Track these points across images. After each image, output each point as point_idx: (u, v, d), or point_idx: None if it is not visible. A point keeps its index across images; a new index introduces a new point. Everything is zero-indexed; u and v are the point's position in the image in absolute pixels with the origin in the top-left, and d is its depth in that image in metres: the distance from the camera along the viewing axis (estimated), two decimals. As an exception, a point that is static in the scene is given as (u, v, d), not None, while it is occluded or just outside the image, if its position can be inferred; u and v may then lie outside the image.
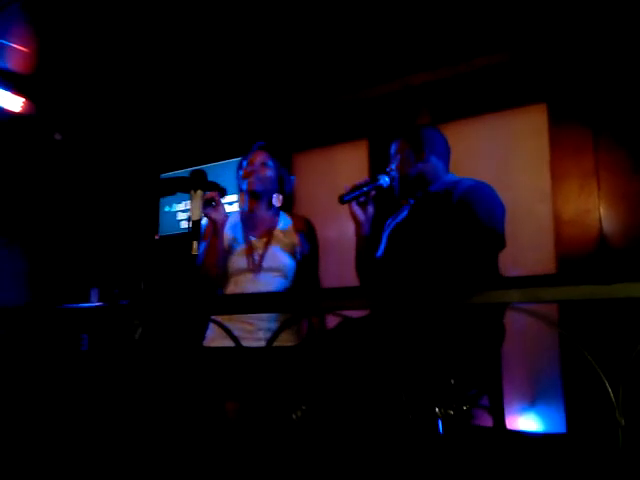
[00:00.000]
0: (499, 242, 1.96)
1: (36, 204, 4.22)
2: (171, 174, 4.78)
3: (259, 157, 2.34)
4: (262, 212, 2.35)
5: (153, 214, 4.89)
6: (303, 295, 1.18)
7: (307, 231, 2.40)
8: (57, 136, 4.37)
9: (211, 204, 2.09)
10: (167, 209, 4.90)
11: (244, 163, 2.36)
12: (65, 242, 4.31)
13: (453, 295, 1.01)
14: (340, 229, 4.29)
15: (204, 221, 2.14)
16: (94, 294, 4.37)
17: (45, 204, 4.29)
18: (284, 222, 2.38)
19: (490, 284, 1.02)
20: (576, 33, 3.34)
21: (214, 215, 2.12)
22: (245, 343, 1.99)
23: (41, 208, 4.26)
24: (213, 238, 2.15)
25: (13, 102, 4.07)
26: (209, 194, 2.09)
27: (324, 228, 4.30)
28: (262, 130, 4.26)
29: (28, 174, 4.18)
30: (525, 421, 3.26)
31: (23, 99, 4.11)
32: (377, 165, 4.00)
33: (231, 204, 4.29)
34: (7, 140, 4.07)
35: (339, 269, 4.19)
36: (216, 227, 2.14)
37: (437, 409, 1.07)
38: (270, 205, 2.35)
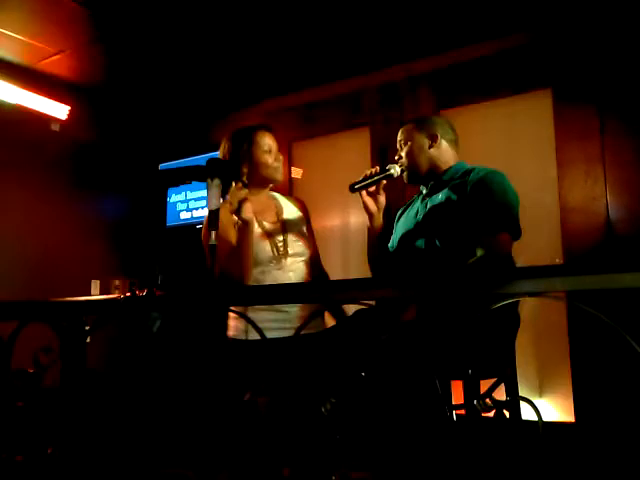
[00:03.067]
0: (514, 231, 1.94)
1: (37, 193, 4.16)
2: (170, 164, 4.74)
3: (276, 143, 2.28)
4: (264, 197, 2.30)
5: (161, 204, 4.83)
6: (334, 285, 1.15)
7: (307, 213, 2.40)
8: (54, 127, 4.30)
9: (243, 203, 2.00)
10: (167, 200, 4.85)
11: (268, 147, 2.24)
12: (65, 232, 4.26)
13: (488, 285, 0.98)
14: (341, 218, 4.26)
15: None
16: (95, 286, 4.34)
17: (46, 193, 4.23)
18: (287, 206, 2.35)
19: (526, 273, 0.99)
20: (581, 17, 3.30)
21: (248, 215, 2.02)
22: (275, 334, 1.94)
23: (43, 196, 4.20)
24: (247, 240, 2.04)
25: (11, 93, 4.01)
26: (242, 195, 2.00)
27: (325, 217, 4.28)
28: (259, 117, 4.21)
29: (29, 164, 4.12)
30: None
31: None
32: (379, 153, 3.97)
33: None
34: (4, 130, 4.00)
35: (342, 258, 4.19)
36: (249, 228, 2.04)
37: (475, 402, 1.05)
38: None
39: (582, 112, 3.30)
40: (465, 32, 3.58)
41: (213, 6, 3.34)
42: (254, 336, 1.98)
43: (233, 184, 2.07)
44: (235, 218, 2.09)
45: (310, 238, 2.33)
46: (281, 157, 2.28)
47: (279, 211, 2.30)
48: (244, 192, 2.03)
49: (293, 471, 1.55)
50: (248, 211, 2.02)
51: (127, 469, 2.12)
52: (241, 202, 2.00)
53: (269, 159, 2.22)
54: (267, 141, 2.24)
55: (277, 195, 2.38)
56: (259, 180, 2.23)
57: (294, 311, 2.10)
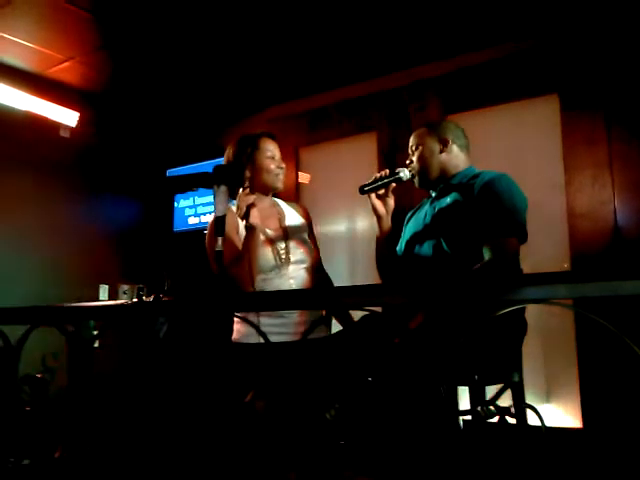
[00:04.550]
0: (521, 235, 1.94)
1: (46, 199, 4.19)
2: (177, 170, 4.77)
3: (279, 151, 2.30)
4: (267, 204, 2.31)
5: (168, 210, 4.86)
6: (340, 291, 1.15)
7: (310, 220, 2.41)
8: (63, 133, 4.34)
9: (251, 208, 2.01)
10: (175, 205, 4.87)
11: (271, 153, 2.26)
12: (74, 237, 4.28)
13: (494, 291, 0.98)
14: (348, 223, 4.27)
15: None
16: (103, 291, 4.36)
17: (55, 198, 4.26)
18: (290, 213, 2.35)
19: (532, 280, 0.99)
20: (587, 23, 3.30)
21: (255, 221, 2.03)
22: (275, 338, 1.94)
23: (52, 202, 4.23)
24: (254, 245, 2.05)
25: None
26: (250, 200, 2.01)
27: (332, 222, 4.29)
28: (266, 123, 4.23)
29: (39, 170, 4.16)
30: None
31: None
32: (386, 158, 3.97)
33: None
34: (15, 136, 4.04)
35: (348, 262, 4.18)
36: (256, 233, 2.05)
37: (479, 408, 1.05)
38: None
39: (589, 117, 3.29)
40: (471, 38, 3.58)
41: (219, 13, 3.36)
42: (257, 340, 1.98)
43: (240, 190, 2.08)
44: (240, 223, 2.10)
45: (312, 245, 2.33)
46: (284, 165, 2.29)
47: (281, 218, 2.30)
48: (252, 197, 2.05)
49: (298, 475, 1.55)
50: (255, 216, 2.03)
51: (132, 475, 2.13)
52: (249, 207, 2.02)
53: (271, 164, 2.24)
54: (270, 147, 2.26)
55: (280, 201, 2.39)
56: (260, 185, 2.24)
57: (293, 316, 2.10)
